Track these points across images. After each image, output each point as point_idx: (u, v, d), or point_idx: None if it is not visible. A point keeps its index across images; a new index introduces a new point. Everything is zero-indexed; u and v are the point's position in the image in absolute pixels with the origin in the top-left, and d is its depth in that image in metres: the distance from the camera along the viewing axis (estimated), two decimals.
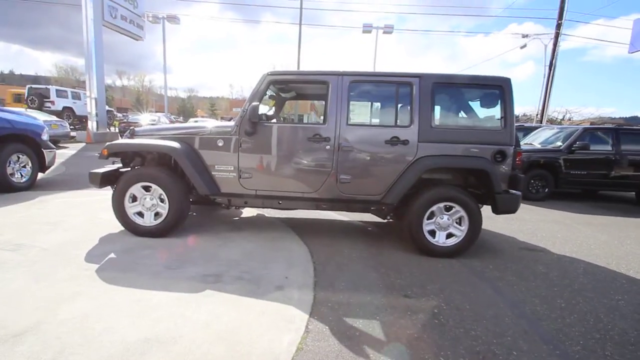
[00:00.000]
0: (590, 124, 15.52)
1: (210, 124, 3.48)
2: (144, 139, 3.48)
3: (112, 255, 2.89)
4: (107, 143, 3.48)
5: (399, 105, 3.30)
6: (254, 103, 3.14)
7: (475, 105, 3.40)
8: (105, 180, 3.36)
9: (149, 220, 3.34)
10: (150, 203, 3.32)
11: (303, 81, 3.43)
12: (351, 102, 3.27)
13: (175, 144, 3.28)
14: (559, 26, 17.53)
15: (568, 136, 7.08)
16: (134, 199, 3.34)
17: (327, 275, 2.76)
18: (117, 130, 17.27)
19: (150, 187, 3.29)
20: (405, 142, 3.21)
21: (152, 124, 15.66)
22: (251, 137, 3.29)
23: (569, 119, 33.36)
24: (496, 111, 3.32)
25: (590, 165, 6.77)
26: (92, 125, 14.49)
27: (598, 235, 4.48)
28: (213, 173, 3.36)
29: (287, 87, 3.85)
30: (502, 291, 2.68)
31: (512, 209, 3.30)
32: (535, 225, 4.79)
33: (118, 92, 63.78)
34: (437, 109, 3.26)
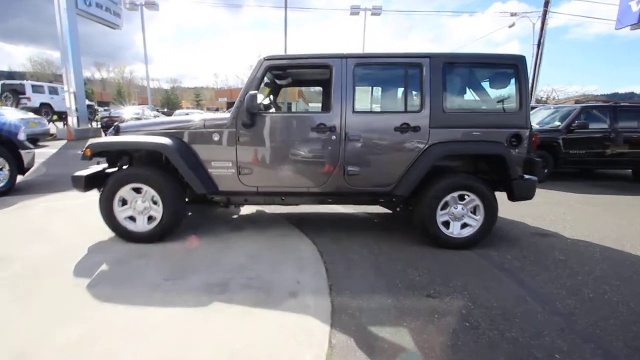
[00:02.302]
0: (575, 102, 15.52)
1: (202, 116, 3.19)
2: (131, 135, 3.17)
3: (104, 266, 2.63)
4: (90, 141, 3.16)
5: (409, 89, 3.06)
6: (252, 92, 2.87)
7: (488, 85, 3.19)
8: (90, 183, 3.06)
9: (142, 225, 3.07)
10: (142, 206, 3.04)
11: (303, 65, 3.15)
12: (357, 87, 3.01)
13: (166, 140, 2.99)
14: (547, 3, 17.36)
15: (565, 116, 6.97)
16: (123, 202, 3.06)
17: (341, 276, 2.57)
18: (99, 126, 16.59)
19: (141, 188, 3.01)
20: (416, 129, 3.00)
21: (136, 118, 15.09)
22: (249, 130, 3.02)
23: (554, 98, 33.57)
24: (510, 91, 3.11)
25: (589, 144, 6.70)
26: (72, 121, 13.83)
27: (605, 216, 4.40)
28: (209, 170, 3.10)
29: (284, 73, 3.56)
30: (526, 284, 2.54)
31: (529, 195, 3.14)
32: (541, 209, 4.69)
33: (98, 85, 61.55)
34: (449, 91, 3.04)
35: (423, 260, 2.91)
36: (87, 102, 16.94)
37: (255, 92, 2.89)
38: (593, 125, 6.76)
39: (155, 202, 3.05)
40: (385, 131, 3.02)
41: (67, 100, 13.78)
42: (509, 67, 3.07)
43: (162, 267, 2.64)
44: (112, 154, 3.30)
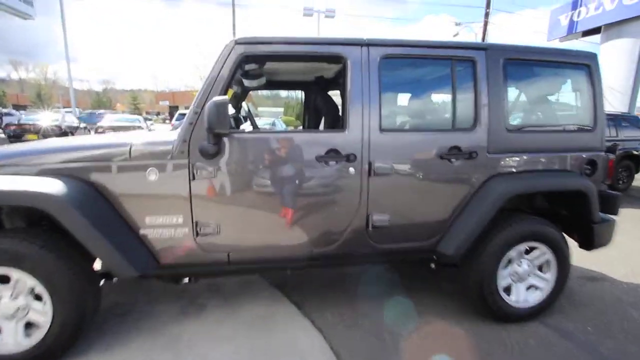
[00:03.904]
0: None
1: (126, 137, 1.89)
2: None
3: None
4: None
5: (457, 96, 2.06)
6: (217, 98, 1.64)
7: (556, 92, 2.33)
8: None
9: (12, 340, 1.67)
10: (13, 307, 1.65)
11: (297, 56, 2.01)
12: (385, 93, 1.95)
13: (56, 185, 1.63)
14: (487, 14, 18.18)
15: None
16: None
17: None
18: (5, 135, 13.48)
19: (9, 276, 1.62)
20: (471, 155, 2.01)
21: (56, 126, 12.46)
22: (213, 161, 1.79)
23: None
24: (581, 101, 2.28)
25: None
26: None
27: None
28: (142, 232, 1.80)
29: (259, 69, 2.35)
30: None
31: (607, 242, 2.33)
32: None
33: (15, 86, 53.51)
34: (512, 99, 2.11)
35: (481, 344, 1.92)
36: None
37: (224, 98, 1.67)
38: None
39: (38, 298, 1.67)
40: (426, 159, 2.00)
41: None
42: (580, 68, 2.24)
43: None
44: None
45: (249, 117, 2.81)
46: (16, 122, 13.64)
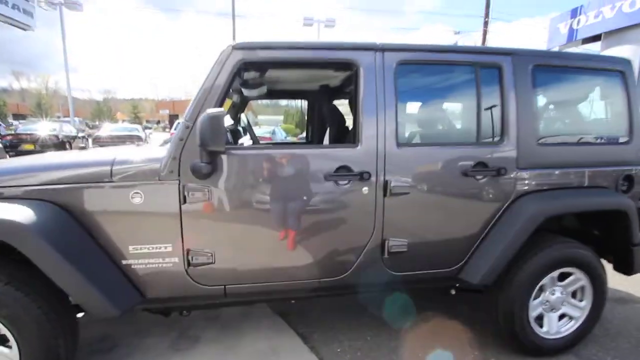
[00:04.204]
0: None
1: (113, 153, 1.67)
2: None
3: None
4: None
5: (481, 105, 1.85)
6: (211, 110, 1.43)
7: (586, 101, 2.12)
8: None
9: None
10: None
11: (302, 63, 1.80)
12: (401, 102, 1.74)
13: (22, 211, 1.40)
14: (486, 24, 18.17)
15: None
16: None
17: None
18: (1, 145, 13.30)
19: None
20: (499, 172, 1.79)
21: (53, 135, 12.28)
22: (207, 182, 1.57)
23: None
24: (616, 110, 2.07)
25: None
26: None
27: None
28: (124, 262, 1.56)
29: (260, 77, 2.15)
30: None
31: None
32: None
33: (16, 96, 53.83)
34: (542, 110, 1.90)
35: None
36: None
37: (220, 110, 1.45)
38: None
39: (3, 341, 1.44)
40: (448, 177, 1.77)
41: None
42: (613, 75, 2.03)
43: None
44: None
45: (248, 129, 2.59)
46: (13, 133, 13.47)
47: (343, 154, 1.68)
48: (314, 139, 3.19)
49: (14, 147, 11.53)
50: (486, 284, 1.79)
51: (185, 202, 1.55)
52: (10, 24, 14.33)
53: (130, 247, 1.54)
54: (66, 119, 22.73)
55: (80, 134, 14.48)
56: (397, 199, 1.71)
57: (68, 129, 13.77)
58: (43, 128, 12.82)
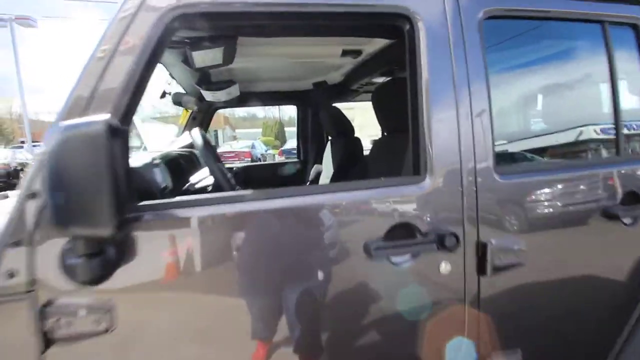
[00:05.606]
0: None
1: None
2: None
3: None
4: None
5: (619, 92, 1.04)
6: (80, 125, 0.54)
7: None
8: None
9: None
10: None
11: (301, 25, 0.95)
12: (494, 88, 0.90)
13: None
14: None
15: None
16: None
17: None
18: None
19: None
20: None
21: (3, 165, 10.97)
22: (95, 290, 0.67)
23: None
24: None
25: None
26: None
27: None
28: None
29: (225, 63, 1.24)
30: None
31: None
32: None
33: None
34: None
35: None
36: None
37: (103, 122, 0.57)
38: None
39: None
40: (580, 223, 0.95)
41: None
42: None
43: None
44: None
45: (207, 158, 1.20)
46: None
47: (398, 200, 0.83)
48: (308, 157, 2.37)
49: None
50: None
51: (50, 343, 0.64)
52: None
53: None
54: (34, 143, 20.76)
55: None
56: (502, 279, 0.87)
57: (23, 156, 12.42)
58: None
